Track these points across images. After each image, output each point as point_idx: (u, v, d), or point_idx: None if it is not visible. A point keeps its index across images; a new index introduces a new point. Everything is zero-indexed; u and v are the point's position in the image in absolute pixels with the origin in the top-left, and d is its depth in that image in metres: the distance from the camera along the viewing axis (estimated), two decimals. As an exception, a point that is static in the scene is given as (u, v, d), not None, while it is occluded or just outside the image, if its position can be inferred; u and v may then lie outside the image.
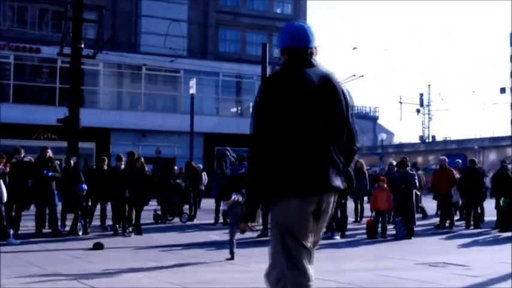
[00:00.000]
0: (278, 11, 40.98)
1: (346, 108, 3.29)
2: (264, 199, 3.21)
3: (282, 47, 3.38)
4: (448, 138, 67.13)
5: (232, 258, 8.87)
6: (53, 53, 22.13)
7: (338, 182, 3.21)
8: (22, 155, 12.68)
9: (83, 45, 15.77)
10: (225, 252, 9.05)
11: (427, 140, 72.24)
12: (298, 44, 3.32)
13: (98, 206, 13.79)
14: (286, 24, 3.50)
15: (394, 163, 15.30)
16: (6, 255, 8.86)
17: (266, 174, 3.12)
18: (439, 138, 71.15)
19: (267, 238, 9.82)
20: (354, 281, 6.98)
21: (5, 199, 10.91)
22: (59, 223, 12.67)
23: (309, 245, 3.22)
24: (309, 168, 3.10)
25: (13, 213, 11.93)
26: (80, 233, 12.29)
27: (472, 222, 14.85)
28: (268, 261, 3.26)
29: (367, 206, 15.29)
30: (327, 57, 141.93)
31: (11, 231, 10.96)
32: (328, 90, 3.23)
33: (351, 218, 15.51)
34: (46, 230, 12.25)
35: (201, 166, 20.26)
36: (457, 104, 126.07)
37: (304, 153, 3.10)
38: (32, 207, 12.74)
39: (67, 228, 12.74)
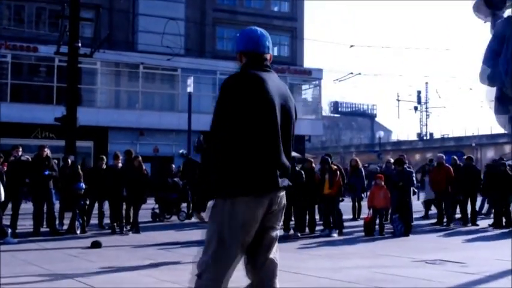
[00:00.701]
0: (275, 9, 40.92)
1: (295, 117, 3.53)
2: (215, 193, 3.29)
3: (243, 50, 3.49)
4: (446, 136, 67.20)
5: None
6: (51, 51, 22.08)
7: (285, 183, 3.38)
8: (20, 154, 12.67)
9: (80, 44, 15.78)
10: (223, 250, 9.05)
11: (424, 138, 72.27)
12: (260, 49, 3.47)
13: (96, 205, 13.79)
14: (248, 28, 3.59)
15: (392, 160, 15.28)
16: (4, 254, 8.84)
17: (221, 170, 3.22)
18: (436, 135, 71.24)
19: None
20: (351, 279, 7.00)
21: (3, 198, 10.90)
22: (57, 222, 12.67)
23: (243, 247, 3.33)
24: (262, 169, 3.24)
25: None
26: (78, 232, 12.30)
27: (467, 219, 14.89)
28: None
29: (364, 204, 15.30)
30: (324, 55, 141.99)
31: (9, 230, 10.96)
32: (285, 98, 3.43)
33: (348, 216, 15.54)
34: (44, 229, 12.26)
35: (200, 164, 20.21)
36: (455, 101, 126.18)
37: (259, 155, 3.24)
38: (30, 206, 12.73)
39: (65, 227, 12.74)
